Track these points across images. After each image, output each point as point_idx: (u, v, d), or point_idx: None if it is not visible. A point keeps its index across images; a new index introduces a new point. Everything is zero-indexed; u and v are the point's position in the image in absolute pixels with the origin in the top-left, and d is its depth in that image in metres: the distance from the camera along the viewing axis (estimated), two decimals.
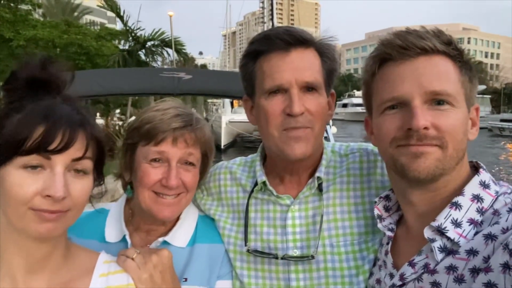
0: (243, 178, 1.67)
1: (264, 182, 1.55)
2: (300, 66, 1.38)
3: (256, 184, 1.58)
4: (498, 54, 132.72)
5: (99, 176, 1.14)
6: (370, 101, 1.30)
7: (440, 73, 1.13)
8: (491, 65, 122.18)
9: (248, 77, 1.50)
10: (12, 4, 19.75)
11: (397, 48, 1.15)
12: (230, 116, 23.25)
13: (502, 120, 38.99)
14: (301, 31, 1.43)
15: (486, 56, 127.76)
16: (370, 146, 1.57)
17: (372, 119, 1.31)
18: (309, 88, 1.40)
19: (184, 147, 1.42)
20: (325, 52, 1.46)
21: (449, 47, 1.15)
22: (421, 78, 1.13)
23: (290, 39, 1.38)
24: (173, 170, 1.41)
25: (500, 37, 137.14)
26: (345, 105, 69.75)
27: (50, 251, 1.09)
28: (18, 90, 1.04)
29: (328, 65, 1.46)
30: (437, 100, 1.13)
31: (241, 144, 24.30)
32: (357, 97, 66.19)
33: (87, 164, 1.06)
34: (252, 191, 1.59)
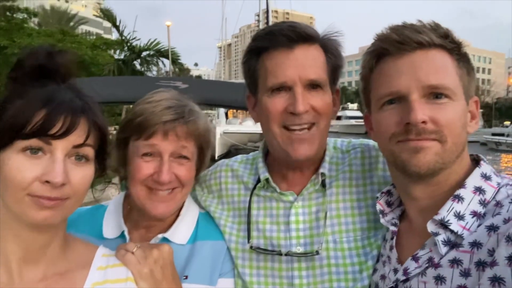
0: (245, 175, 1.65)
1: (267, 179, 1.53)
2: (304, 63, 1.36)
3: (258, 181, 1.56)
4: (489, 69, 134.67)
5: (101, 165, 1.12)
6: (369, 96, 1.30)
7: (437, 67, 1.13)
8: (483, 80, 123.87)
9: (250, 74, 1.48)
10: (8, 13, 19.79)
11: (394, 43, 1.15)
12: (225, 127, 23.23)
13: (493, 134, 39.43)
14: (306, 27, 1.40)
15: (477, 71, 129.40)
16: (371, 141, 1.56)
17: (371, 114, 1.31)
18: (313, 85, 1.38)
19: (175, 140, 1.37)
20: (330, 48, 1.44)
21: (446, 40, 1.15)
22: (418, 72, 1.12)
23: (294, 36, 1.36)
24: (165, 164, 1.36)
25: (491, 53, 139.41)
26: (339, 118, 69.92)
27: (47, 241, 1.07)
28: (22, 78, 1.03)
29: (333, 61, 1.44)
30: (435, 94, 1.12)
31: (235, 155, 24.23)
32: (351, 109, 66.62)
33: (88, 151, 1.04)
34: (254, 188, 1.57)
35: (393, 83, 1.16)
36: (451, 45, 1.15)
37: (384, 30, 1.20)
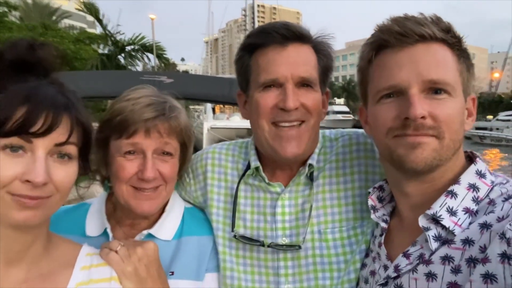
0: (234, 159, 1.63)
1: (257, 168, 1.52)
2: (297, 61, 1.37)
3: (248, 167, 1.54)
4: (473, 64, 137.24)
5: (85, 163, 1.09)
6: (366, 89, 1.26)
7: (438, 61, 1.10)
8: None
9: (243, 71, 1.48)
10: None
11: (395, 35, 1.12)
12: (212, 122, 23.15)
13: (477, 128, 40.18)
14: (299, 27, 1.41)
15: None
16: (361, 130, 1.53)
17: (367, 107, 1.27)
18: (304, 83, 1.39)
19: (158, 137, 1.36)
20: (322, 49, 1.45)
21: (448, 35, 1.12)
22: (419, 66, 1.09)
23: (287, 34, 1.37)
24: (149, 161, 1.34)
25: (475, 48, 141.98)
26: (326, 113, 70.33)
27: (30, 242, 1.03)
28: (2, 72, 0.97)
29: (324, 62, 1.45)
30: (434, 89, 1.10)
31: None
32: (338, 104, 67.13)
33: (71, 149, 1.01)
34: (243, 175, 1.55)
35: (392, 76, 1.13)
36: (452, 40, 1.12)
37: (386, 21, 1.16)
